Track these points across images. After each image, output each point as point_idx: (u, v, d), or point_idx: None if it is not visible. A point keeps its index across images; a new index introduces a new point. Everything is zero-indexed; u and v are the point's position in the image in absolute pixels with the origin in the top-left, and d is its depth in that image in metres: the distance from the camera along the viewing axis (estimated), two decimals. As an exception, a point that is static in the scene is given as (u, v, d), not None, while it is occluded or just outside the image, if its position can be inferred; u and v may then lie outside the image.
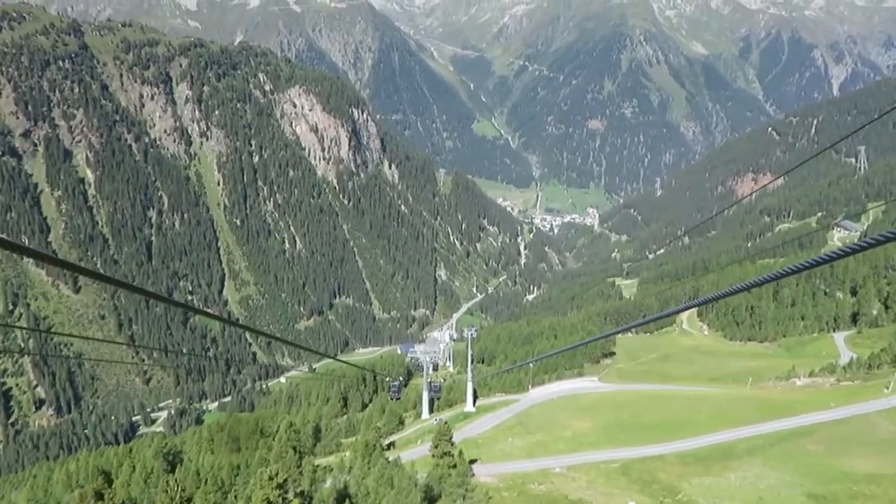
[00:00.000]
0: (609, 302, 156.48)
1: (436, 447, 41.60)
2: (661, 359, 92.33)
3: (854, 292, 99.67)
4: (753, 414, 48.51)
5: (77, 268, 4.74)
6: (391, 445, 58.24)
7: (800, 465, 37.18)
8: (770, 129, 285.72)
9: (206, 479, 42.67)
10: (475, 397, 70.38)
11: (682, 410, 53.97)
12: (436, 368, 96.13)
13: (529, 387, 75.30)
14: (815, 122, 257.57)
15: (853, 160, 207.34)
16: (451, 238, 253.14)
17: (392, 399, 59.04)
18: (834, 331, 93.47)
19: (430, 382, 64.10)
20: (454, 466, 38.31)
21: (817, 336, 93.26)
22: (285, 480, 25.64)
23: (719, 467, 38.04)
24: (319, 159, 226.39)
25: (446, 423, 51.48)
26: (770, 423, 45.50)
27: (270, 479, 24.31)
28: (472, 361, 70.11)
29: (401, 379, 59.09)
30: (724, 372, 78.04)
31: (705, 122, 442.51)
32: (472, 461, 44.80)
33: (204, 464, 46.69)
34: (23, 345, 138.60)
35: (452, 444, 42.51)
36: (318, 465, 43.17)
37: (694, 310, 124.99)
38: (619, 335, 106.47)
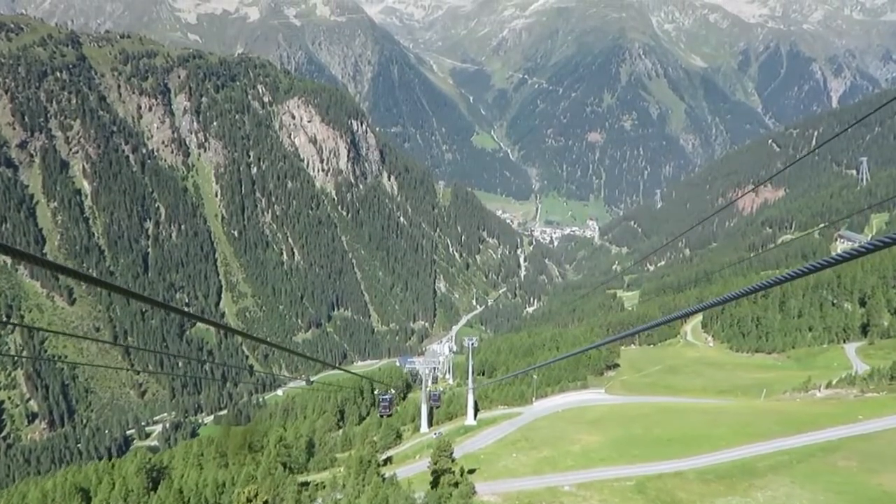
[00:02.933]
0: (611, 314, 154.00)
1: (435, 463, 38.73)
2: (666, 371, 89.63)
3: (863, 303, 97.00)
4: (774, 427, 45.57)
5: (75, 273, 4.84)
6: (388, 461, 55.36)
7: (832, 483, 34.16)
8: (770, 141, 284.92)
9: (190, 498, 39.87)
10: (476, 410, 67.56)
11: (698, 424, 51.03)
12: (435, 381, 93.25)
13: (533, 399, 72.54)
14: (815, 133, 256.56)
15: (854, 172, 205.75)
16: (451, 250, 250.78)
17: (382, 415, 55.99)
18: (844, 342, 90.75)
19: (430, 392, 61.33)
20: (455, 485, 35.48)
21: (827, 347, 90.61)
22: (266, 502, 22.89)
23: (744, 486, 35.04)
24: (318, 171, 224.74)
25: (446, 437, 48.75)
26: (794, 437, 42.48)
27: (249, 501, 21.59)
28: (472, 373, 67.31)
29: (392, 392, 56.03)
30: (733, 384, 75.41)
31: (704, 134, 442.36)
32: (472, 471, 42.02)
33: (188, 480, 43.81)
34: (15, 356, 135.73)
35: (453, 460, 39.68)
36: (307, 483, 40.36)
37: (698, 321, 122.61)
38: (622, 347, 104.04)
